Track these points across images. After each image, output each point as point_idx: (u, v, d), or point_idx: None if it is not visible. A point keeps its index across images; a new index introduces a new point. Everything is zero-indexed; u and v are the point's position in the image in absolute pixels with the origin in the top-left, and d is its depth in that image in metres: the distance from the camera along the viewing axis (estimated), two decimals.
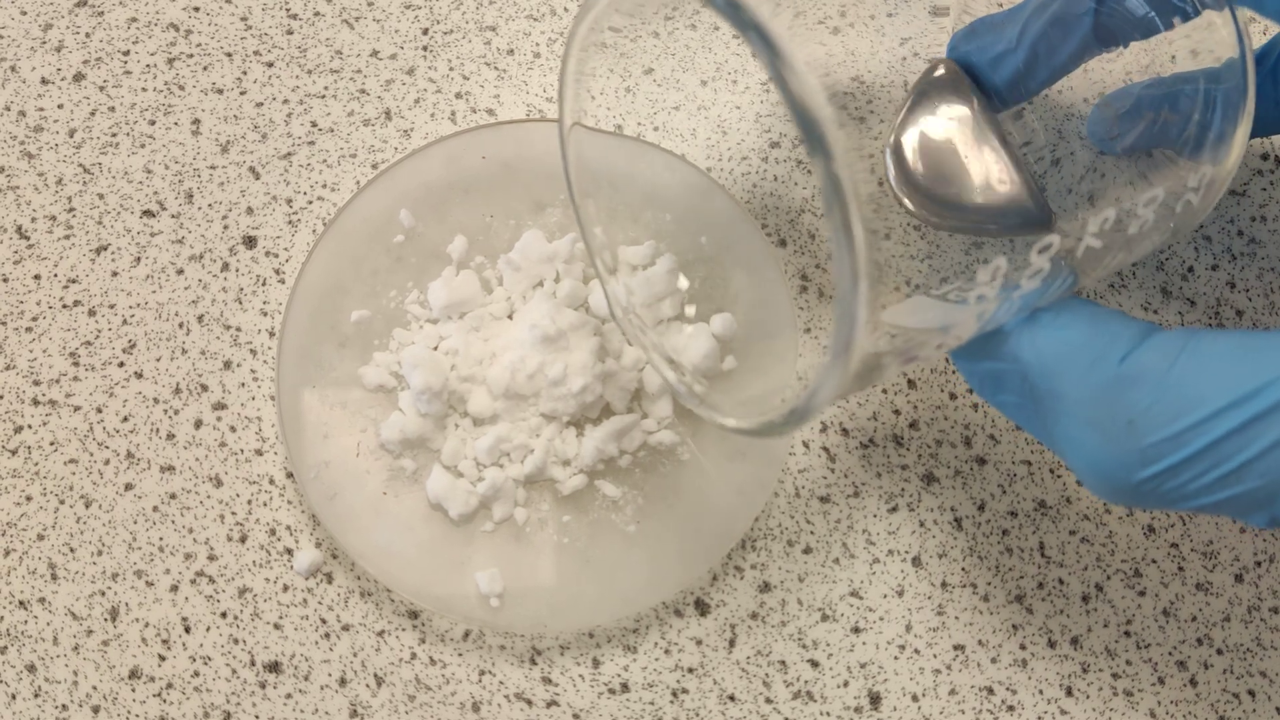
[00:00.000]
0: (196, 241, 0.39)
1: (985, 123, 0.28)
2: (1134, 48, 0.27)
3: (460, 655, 0.36)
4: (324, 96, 0.40)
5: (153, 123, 0.40)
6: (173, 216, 0.39)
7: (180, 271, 0.38)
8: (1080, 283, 0.27)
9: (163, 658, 0.35)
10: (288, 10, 0.41)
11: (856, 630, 0.36)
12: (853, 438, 0.38)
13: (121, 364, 0.37)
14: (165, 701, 0.35)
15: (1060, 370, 0.26)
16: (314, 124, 0.40)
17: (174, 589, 0.36)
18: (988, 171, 0.28)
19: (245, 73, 0.41)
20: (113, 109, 0.40)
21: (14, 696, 0.34)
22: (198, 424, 0.37)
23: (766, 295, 0.37)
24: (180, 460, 0.37)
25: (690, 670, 0.36)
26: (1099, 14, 0.27)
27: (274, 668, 0.35)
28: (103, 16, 0.41)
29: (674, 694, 0.35)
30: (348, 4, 0.42)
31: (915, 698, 0.36)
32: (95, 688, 0.35)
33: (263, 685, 0.35)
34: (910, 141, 0.28)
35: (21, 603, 0.35)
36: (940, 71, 0.29)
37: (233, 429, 0.37)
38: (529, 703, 0.35)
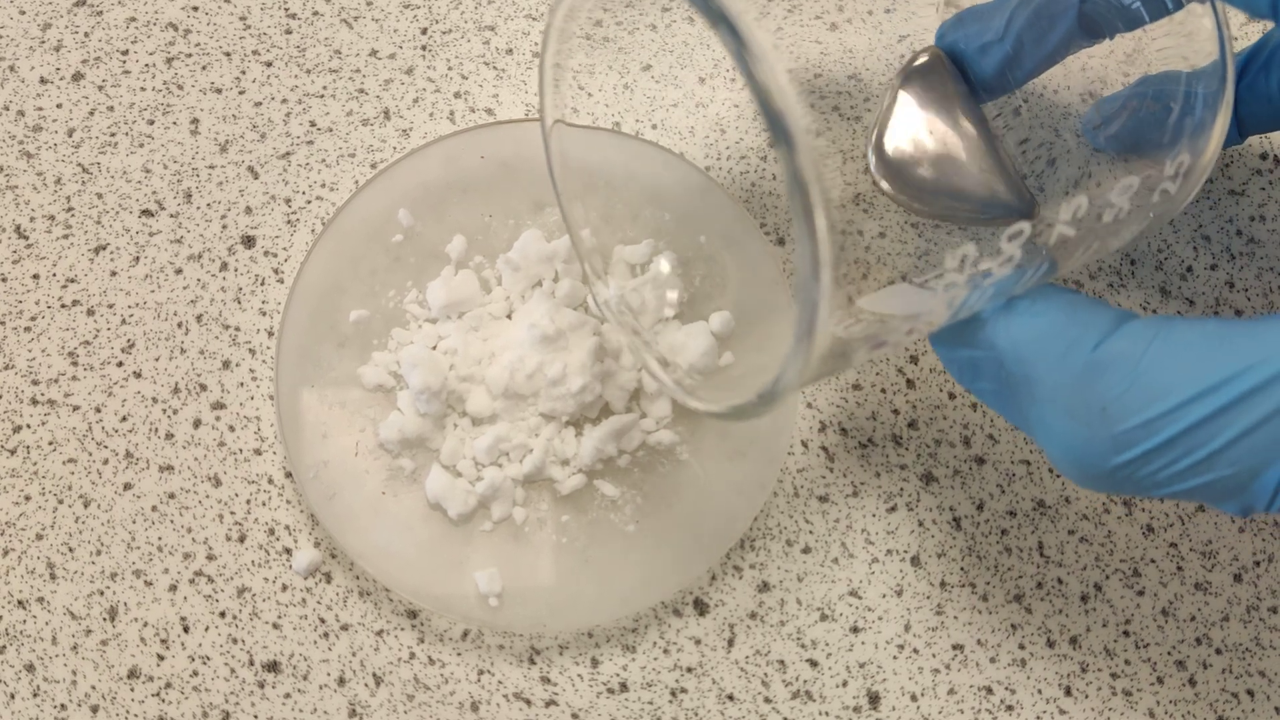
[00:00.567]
0: (195, 241, 0.39)
1: (968, 112, 0.28)
2: (1119, 39, 0.27)
3: (459, 655, 0.35)
4: (323, 96, 0.40)
5: (151, 122, 0.40)
6: (171, 216, 0.39)
7: (179, 271, 0.38)
8: (1059, 270, 0.27)
9: (161, 657, 0.35)
10: (286, 10, 0.41)
11: (855, 630, 0.36)
12: (851, 437, 0.38)
13: (120, 363, 0.37)
14: (164, 701, 0.35)
15: (1034, 357, 0.26)
16: (313, 123, 0.40)
17: (173, 589, 0.36)
18: (969, 160, 0.28)
19: (244, 72, 0.41)
20: (111, 108, 0.40)
21: (13, 696, 0.34)
22: (196, 423, 0.37)
23: (765, 294, 0.37)
24: (179, 460, 0.37)
25: (689, 670, 0.36)
26: (1084, 5, 0.27)
27: (273, 667, 0.35)
28: (101, 16, 0.41)
29: (673, 694, 0.35)
30: (346, 4, 0.42)
31: (914, 697, 0.36)
32: (94, 687, 0.35)
33: (261, 685, 0.35)
34: (893, 130, 0.28)
35: (20, 602, 0.35)
36: (924, 59, 0.29)
37: (231, 428, 0.37)
38: (528, 702, 0.35)
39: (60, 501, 0.36)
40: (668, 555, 0.36)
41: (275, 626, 0.35)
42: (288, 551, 0.36)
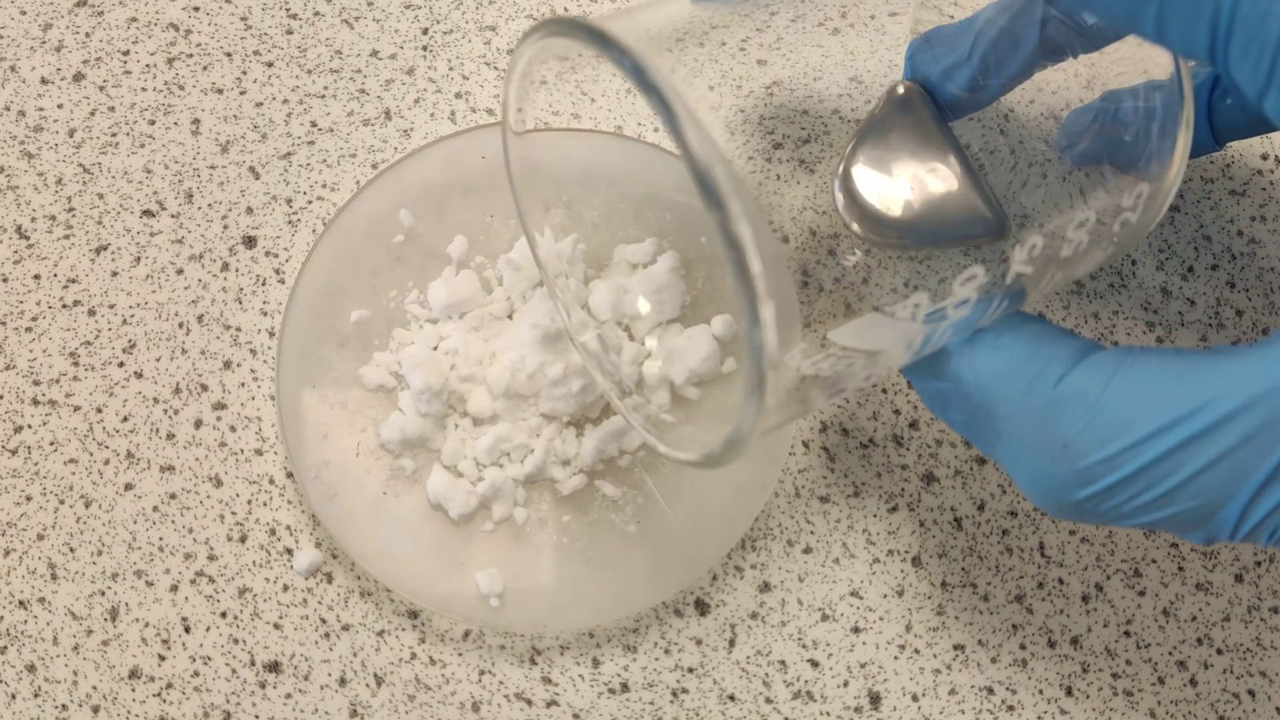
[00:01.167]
0: (196, 241, 0.39)
1: (939, 137, 0.28)
2: (1082, 59, 0.28)
3: (460, 655, 0.36)
4: (324, 96, 0.40)
5: (152, 122, 0.40)
6: (172, 216, 0.39)
7: (180, 271, 0.38)
8: (1027, 298, 0.27)
9: (162, 657, 0.35)
10: (287, 10, 0.41)
11: (856, 630, 0.36)
12: (853, 437, 0.38)
13: (121, 364, 0.37)
14: (165, 701, 0.35)
15: (999, 392, 0.26)
16: (314, 124, 0.40)
17: (174, 589, 0.36)
18: (940, 189, 0.28)
19: (245, 72, 0.41)
20: (112, 109, 0.40)
21: (14, 696, 0.34)
22: (198, 424, 0.37)
23: (780, 297, 0.37)
24: (180, 460, 0.37)
25: (690, 670, 0.36)
26: (1046, 26, 0.27)
27: (274, 667, 0.35)
28: (102, 16, 0.41)
29: (674, 694, 0.35)
30: (347, 4, 0.42)
31: (915, 697, 0.36)
32: (95, 687, 0.35)
33: (262, 685, 0.35)
34: (861, 165, 0.28)
35: (21, 602, 0.35)
36: (900, 92, 0.29)
37: (233, 429, 0.37)
38: (529, 702, 0.35)
39: (61, 502, 0.36)
40: (669, 555, 0.36)
41: (276, 627, 0.35)
42: (289, 552, 0.36)
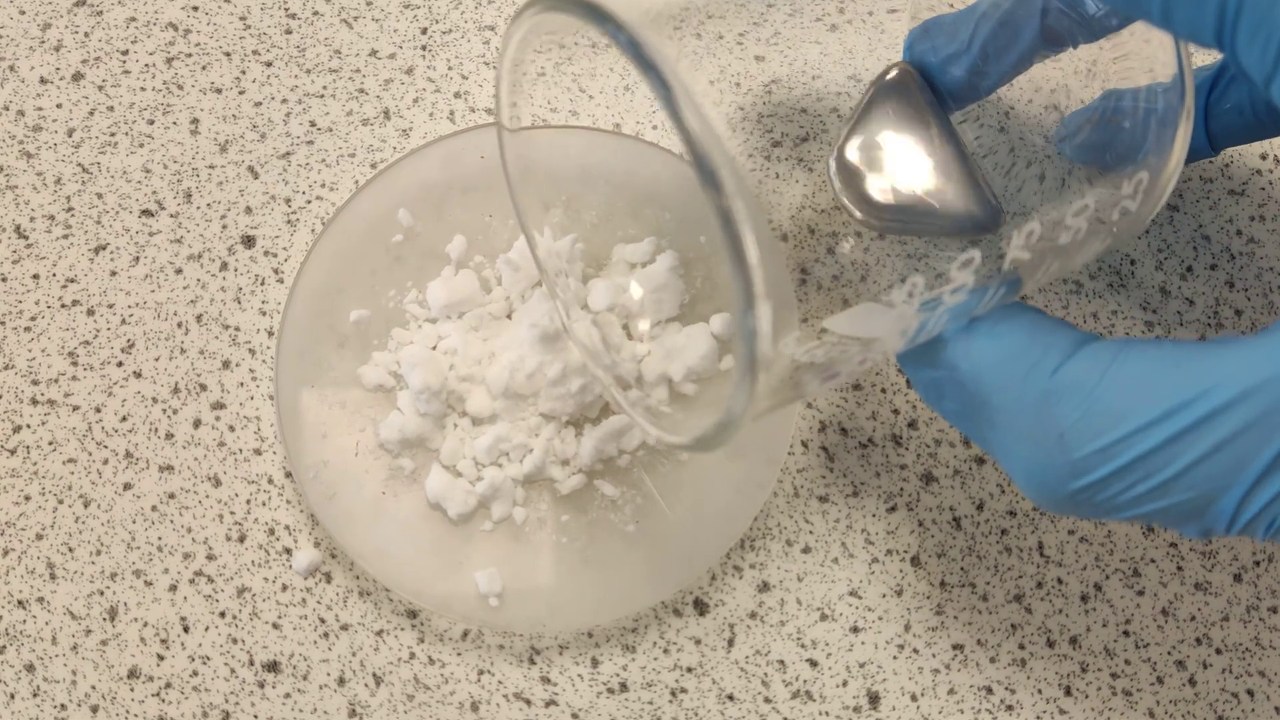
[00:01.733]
0: (195, 241, 0.39)
1: (937, 124, 0.28)
2: (1084, 50, 0.28)
3: (459, 655, 0.35)
4: (323, 96, 0.40)
5: (151, 122, 0.40)
6: (171, 216, 0.39)
7: (179, 271, 0.38)
8: (1023, 287, 0.27)
9: (161, 657, 0.35)
10: (286, 10, 0.41)
11: (855, 630, 0.36)
12: (851, 437, 0.38)
13: (120, 363, 0.37)
14: (164, 701, 0.35)
15: (994, 381, 0.26)
16: (313, 123, 0.40)
17: (173, 589, 0.36)
18: (936, 173, 0.28)
19: (244, 72, 0.41)
20: (111, 108, 0.40)
21: (13, 696, 0.34)
22: (196, 423, 0.37)
23: (777, 290, 0.37)
24: (179, 460, 0.37)
25: (689, 670, 0.36)
26: (1047, 15, 0.27)
27: (273, 667, 0.35)
28: (101, 16, 0.41)
29: (673, 693, 0.35)
30: (346, 3, 0.42)
31: (914, 697, 0.36)
32: (94, 687, 0.35)
33: (261, 685, 0.35)
34: (857, 147, 0.28)
35: (20, 602, 0.35)
36: (893, 74, 0.29)
37: (231, 428, 0.37)
38: (528, 702, 0.35)
39: (60, 501, 0.36)
40: (668, 555, 0.36)
41: (275, 626, 0.35)
42: (288, 551, 0.36)
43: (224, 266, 0.39)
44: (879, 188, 0.27)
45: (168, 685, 0.35)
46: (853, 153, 0.28)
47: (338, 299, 0.37)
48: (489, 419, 0.36)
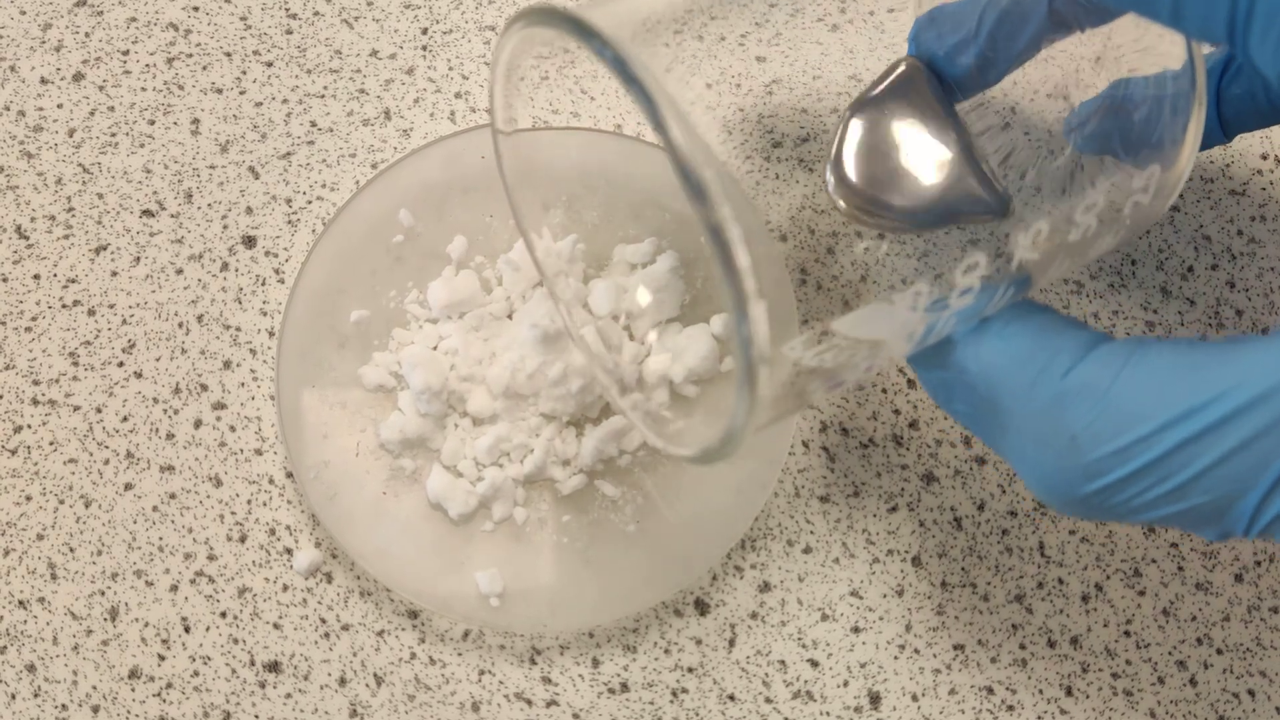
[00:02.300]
0: (196, 241, 0.39)
1: (938, 116, 0.28)
2: (1091, 40, 0.27)
3: (460, 655, 0.35)
4: (323, 96, 0.40)
5: (152, 122, 0.40)
6: (172, 216, 0.39)
7: (180, 271, 0.38)
8: (1034, 285, 0.27)
9: (162, 657, 0.35)
10: (287, 10, 0.41)
11: (856, 630, 0.36)
12: (852, 437, 0.38)
13: (121, 364, 0.37)
14: (165, 701, 0.35)
15: (1005, 384, 0.25)
16: (313, 124, 0.40)
17: (174, 589, 0.36)
18: (937, 166, 0.27)
19: (245, 72, 0.41)
20: (112, 109, 0.40)
21: (14, 696, 0.34)
22: (197, 424, 0.37)
23: (767, 293, 0.37)
24: (180, 460, 0.37)
25: (690, 670, 0.36)
26: (1054, 1, 0.27)
27: (274, 667, 0.35)
28: (102, 16, 0.41)
29: (674, 694, 0.35)
30: (347, 4, 0.42)
31: (915, 697, 0.36)
32: (95, 687, 0.35)
33: (262, 685, 0.35)
34: (853, 145, 0.28)
35: (21, 602, 0.35)
36: (899, 70, 0.28)
37: (232, 429, 0.37)
38: (529, 702, 0.35)
39: (61, 502, 0.36)
40: (668, 555, 0.36)
41: (276, 627, 0.35)
42: (288, 552, 0.36)
43: (225, 267, 0.39)
44: (877, 189, 0.27)
45: (169, 685, 0.35)
46: (849, 152, 0.28)
47: (339, 299, 0.37)
48: (490, 419, 0.36)
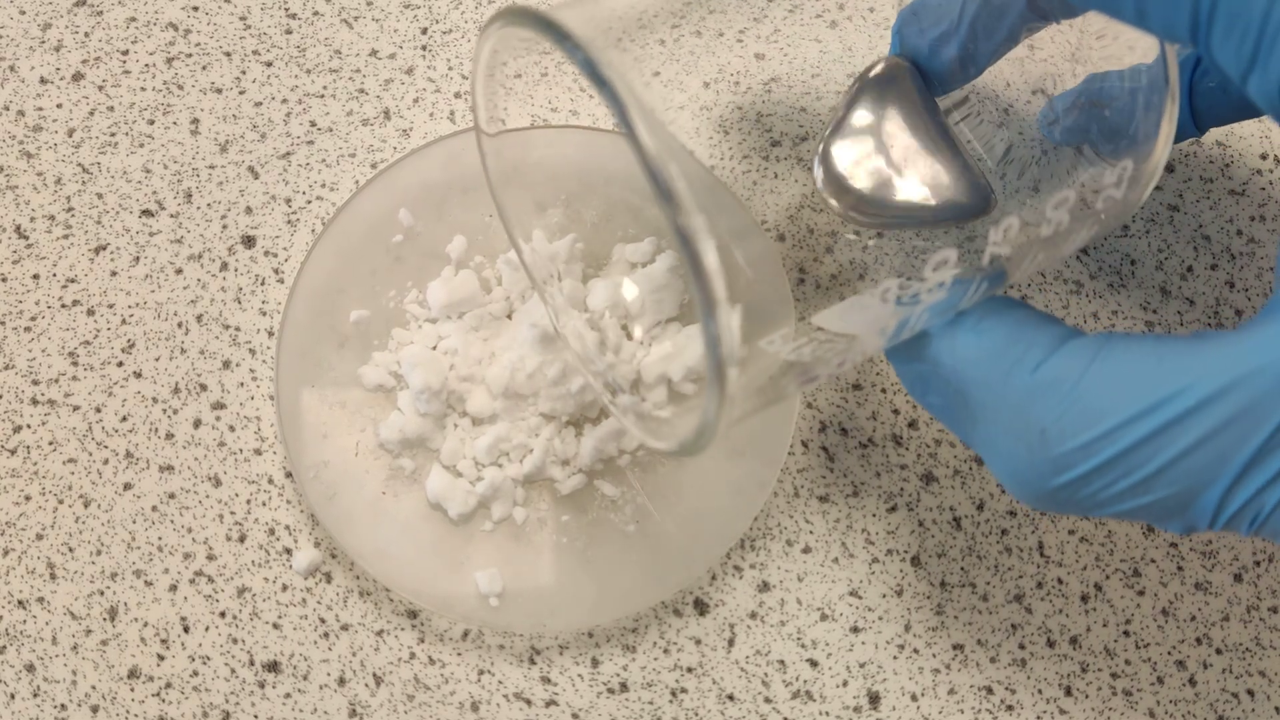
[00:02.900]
0: (195, 241, 0.39)
1: (923, 113, 0.28)
2: (1066, 29, 0.27)
3: (459, 655, 0.35)
4: (323, 96, 0.41)
5: (151, 122, 0.40)
6: (171, 216, 0.39)
7: (179, 271, 0.38)
8: (1009, 279, 0.27)
9: (161, 657, 0.35)
10: (286, 10, 0.41)
11: (855, 630, 0.36)
12: (852, 437, 0.38)
13: (120, 363, 0.37)
14: (164, 701, 0.35)
15: (977, 377, 0.26)
16: (313, 123, 0.40)
17: (173, 589, 0.36)
18: (923, 162, 0.28)
19: (244, 72, 0.41)
20: (111, 109, 0.40)
21: (13, 696, 0.34)
22: (197, 424, 0.37)
23: (766, 291, 0.37)
24: (179, 460, 0.37)
25: (689, 670, 0.36)
26: None
27: (273, 667, 0.35)
28: (101, 16, 0.41)
29: (673, 693, 0.35)
30: (347, 3, 0.42)
31: (914, 697, 0.36)
32: (94, 687, 0.35)
33: (262, 685, 0.35)
34: (840, 142, 0.28)
35: (20, 602, 0.35)
36: (878, 69, 0.29)
37: (232, 429, 0.37)
38: (528, 702, 0.35)
39: (60, 501, 0.36)
40: (668, 555, 0.35)
41: (275, 626, 0.35)
42: (288, 551, 0.36)
43: (224, 266, 0.39)
44: (864, 186, 0.27)
45: (168, 685, 0.35)
46: (838, 151, 0.28)
47: (338, 299, 0.37)
48: (489, 419, 0.36)
